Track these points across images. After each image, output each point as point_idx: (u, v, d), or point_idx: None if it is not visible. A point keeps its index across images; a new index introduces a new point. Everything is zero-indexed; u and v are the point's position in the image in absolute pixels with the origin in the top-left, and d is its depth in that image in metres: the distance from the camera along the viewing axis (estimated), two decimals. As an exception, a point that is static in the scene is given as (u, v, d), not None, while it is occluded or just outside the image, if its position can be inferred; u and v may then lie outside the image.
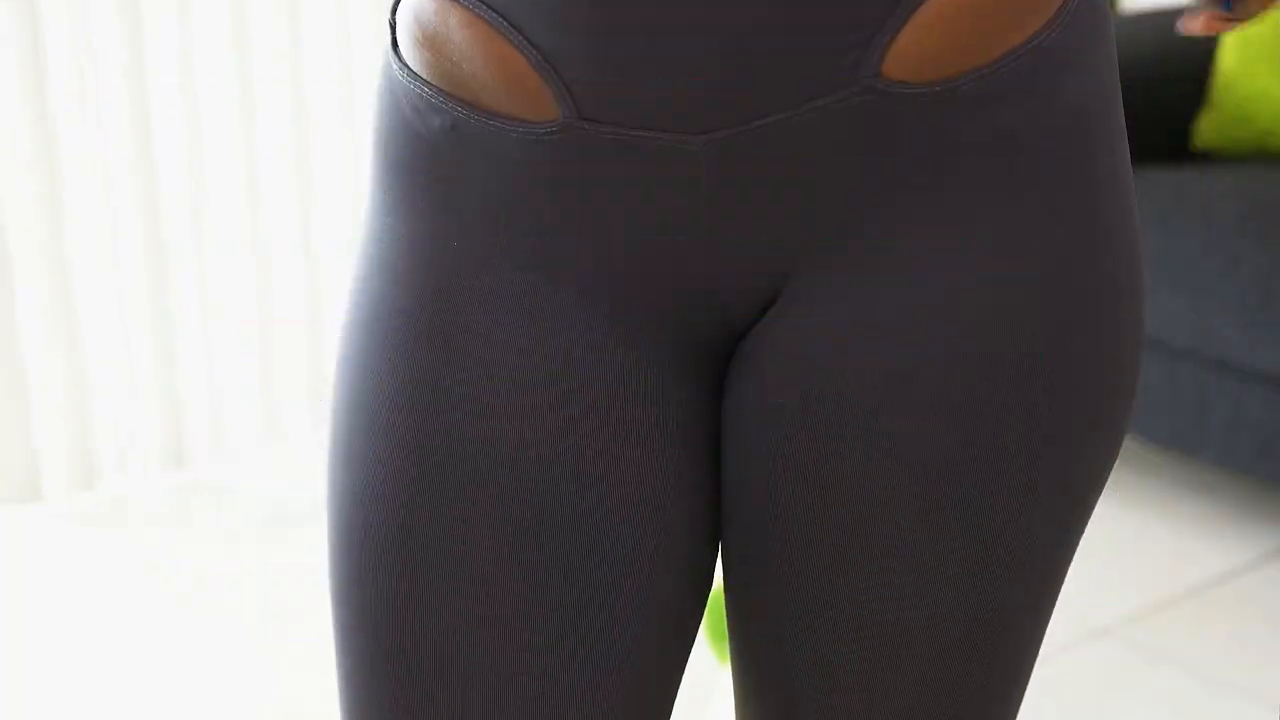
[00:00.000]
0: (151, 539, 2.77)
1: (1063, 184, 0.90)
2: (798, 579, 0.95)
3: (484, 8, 0.87)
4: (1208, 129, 2.97)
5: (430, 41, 0.90)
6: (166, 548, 2.74)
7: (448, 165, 0.92)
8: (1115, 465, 2.39)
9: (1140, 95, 2.96)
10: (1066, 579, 2.26)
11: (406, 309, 0.94)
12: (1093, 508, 0.98)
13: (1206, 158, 3.03)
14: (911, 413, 0.90)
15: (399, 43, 0.94)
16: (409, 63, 0.93)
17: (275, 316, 3.05)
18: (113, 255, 2.85)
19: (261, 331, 3.04)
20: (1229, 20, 1.01)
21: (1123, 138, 0.94)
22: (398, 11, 0.94)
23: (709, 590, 1.00)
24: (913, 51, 0.85)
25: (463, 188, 0.92)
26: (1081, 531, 0.98)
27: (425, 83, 0.92)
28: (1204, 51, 3.01)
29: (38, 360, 2.81)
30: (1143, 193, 2.76)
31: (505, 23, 0.87)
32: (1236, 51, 2.92)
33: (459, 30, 0.89)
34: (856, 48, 0.85)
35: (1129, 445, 3.04)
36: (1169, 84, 2.98)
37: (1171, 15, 3.07)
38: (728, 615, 1.02)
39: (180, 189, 2.88)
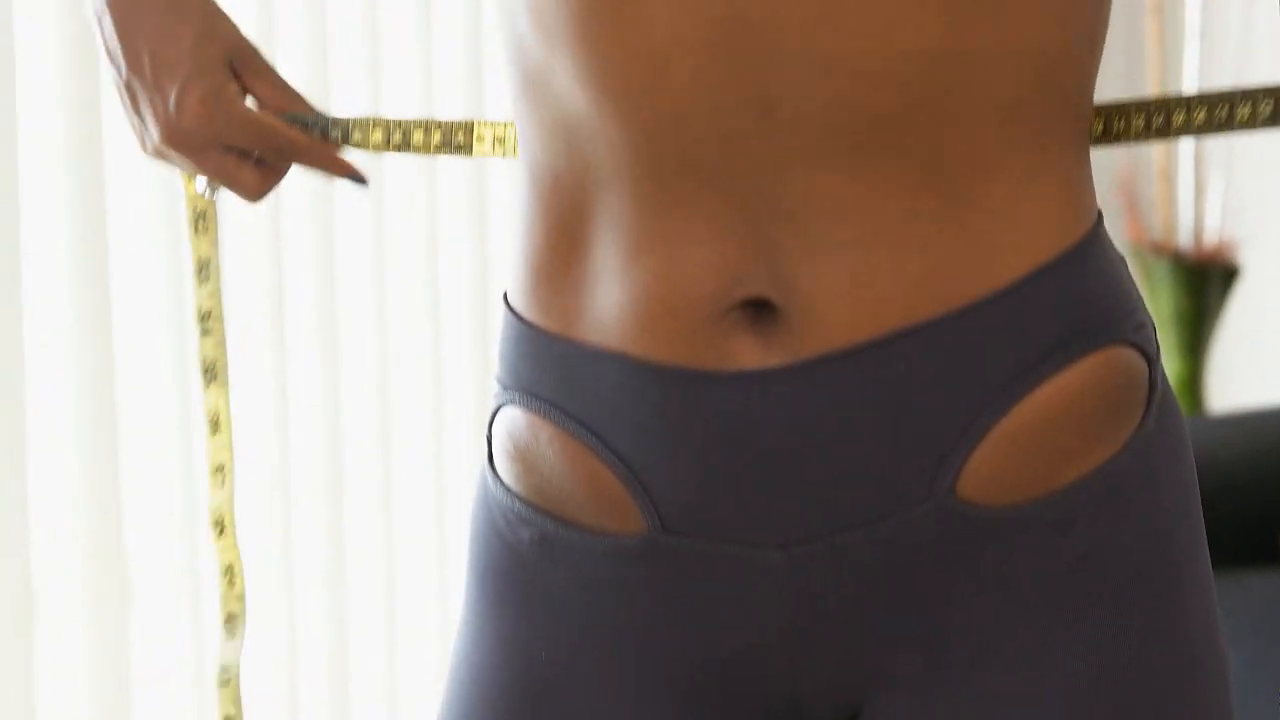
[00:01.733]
0: None
1: (1140, 606, 0.90)
2: None
3: (573, 423, 0.91)
4: (1299, 533, 2.95)
5: (522, 456, 0.94)
6: None
7: (536, 575, 0.94)
8: None
9: (1229, 498, 2.96)
10: None
11: (493, 714, 0.95)
12: None
13: (1299, 562, 3.00)
14: None
15: (494, 456, 0.97)
16: (502, 476, 0.96)
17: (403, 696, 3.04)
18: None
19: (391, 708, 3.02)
20: None
21: (1203, 554, 0.94)
22: (493, 426, 0.97)
23: None
24: (986, 473, 0.87)
25: (551, 597, 0.94)
26: None
27: (516, 496, 0.95)
28: (1292, 456, 3.02)
29: None
30: (1234, 599, 2.73)
31: (594, 437, 0.90)
32: (1325, 457, 2.92)
33: (549, 445, 0.92)
34: (931, 467, 0.87)
35: None
36: (1259, 487, 2.98)
37: (1259, 417, 3.09)
38: None
39: (315, 576, 2.90)
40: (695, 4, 0.83)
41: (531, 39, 0.88)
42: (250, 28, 2.30)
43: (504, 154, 1.00)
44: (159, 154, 1.02)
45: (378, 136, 1.02)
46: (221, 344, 1.06)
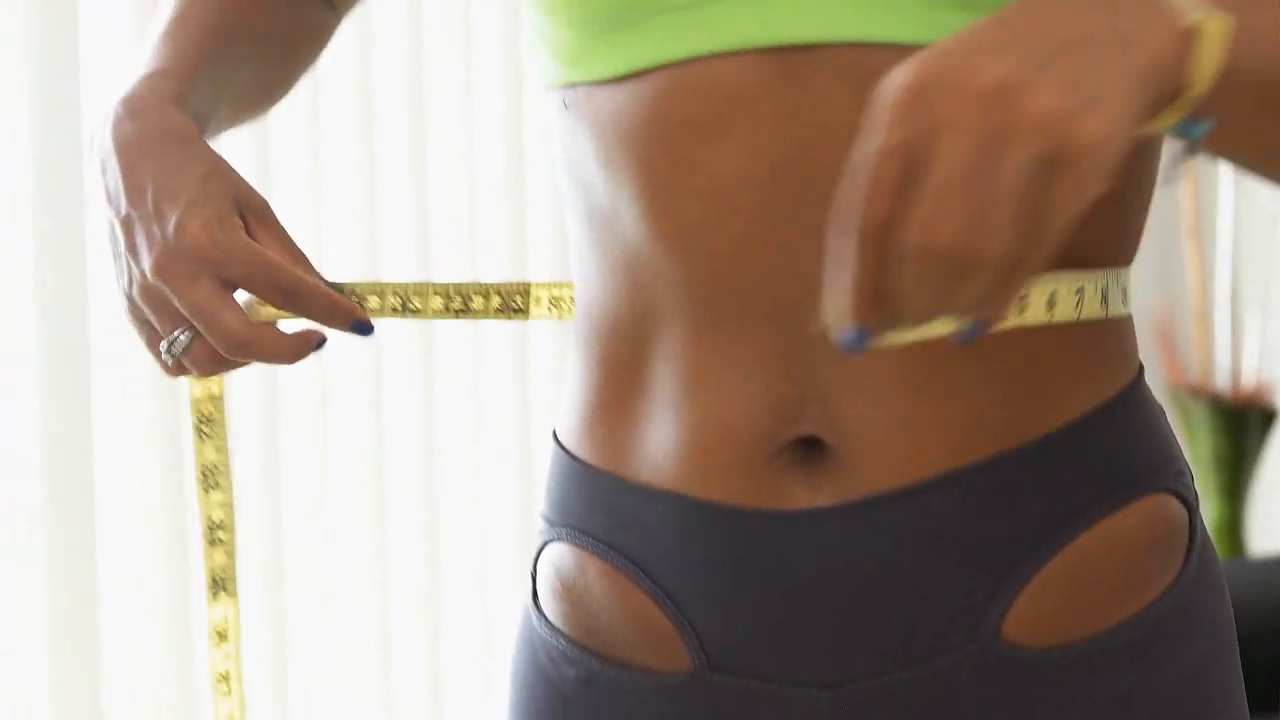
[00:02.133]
0: None
1: None
2: None
3: (622, 559, 0.92)
4: (1342, 678, 2.92)
5: (569, 593, 0.95)
6: None
7: (581, 714, 0.95)
8: None
9: (1269, 643, 2.93)
10: None
11: None
12: None
13: (1342, 708, 2.97)
14: None
15: (539, 593, 0.98)
16: (547, 614, 0.97)
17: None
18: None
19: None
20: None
21: (1241, 699, 0.94)
22: (538, 563, 0.98)
23: None
24: (1031, 616, 0.88)
25: None
26: None
27: (561, 634, 0.95)
28: (1334, 600, 2.99)
29: None
30: (1277, 743, 2.70)
31: (642, 574, 0.91)
32: (1367, 601, 2.90)
33: (597, 581, 0.93)
34: (975, 609, 0.88)
35: None
36: (1300, 631, 2.96)
37: (1299, 562, 3.07)
38: None
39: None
40: (760, 146, 0.86)
41: (599, 179, 0.90)
42: (302, 186, 2.32)
43: (559, 316, 0.99)
44: (145, 294, 0.92)
45: (437, 303, 0.97)
46: (232, 553, 0.98)
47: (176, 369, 0.94)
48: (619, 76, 0.89)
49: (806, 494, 0.88)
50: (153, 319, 0.93)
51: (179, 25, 0.99)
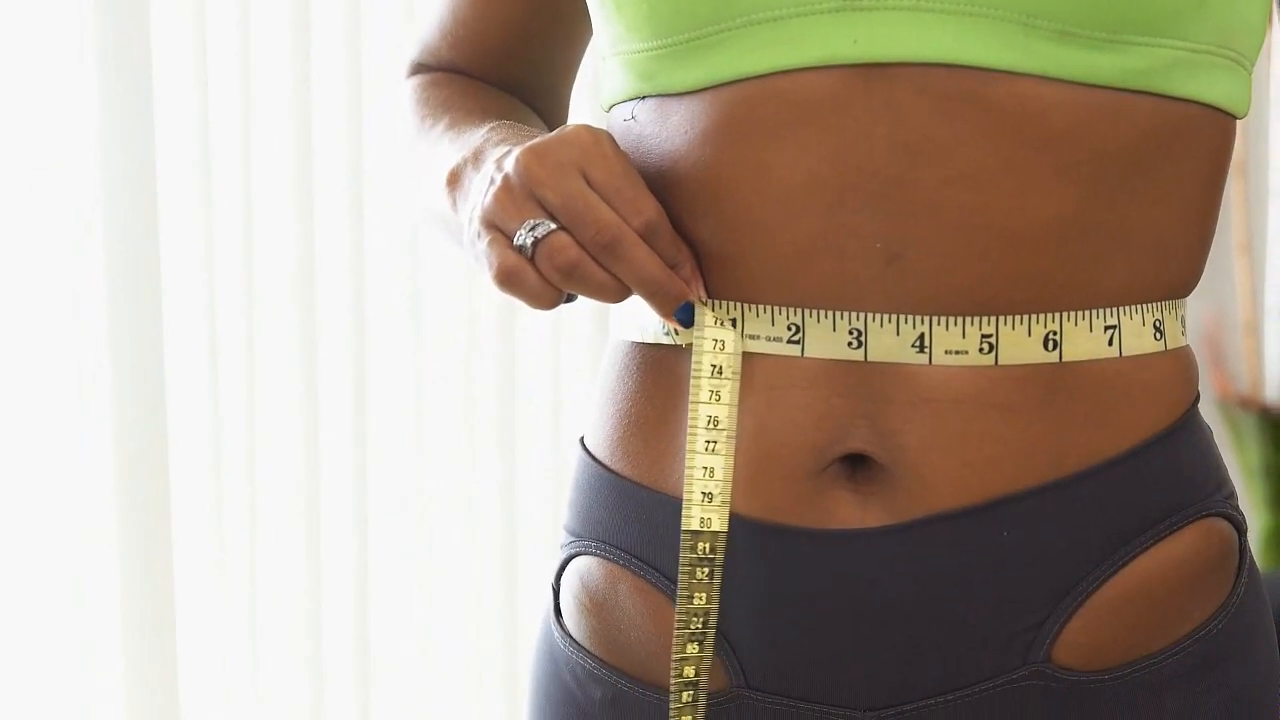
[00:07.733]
0: None
1: None
2: None
3: (656, 574, 0.90)
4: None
5: (598, 609, 0.93)
6: None
7: None
8: None
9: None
10: None
11: None
12: None
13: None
14: None
15: (561, 609, 0.96)
16: (571, 631, 0.95)
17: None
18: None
19: None
20: None
21: None
22: (562, 577, 0.96)
23: None
24: (1082, 640, 0.87)
25: None
26: None
27: (588, 653, 0.93)
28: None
29: None
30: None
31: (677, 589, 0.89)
32: None
33: (629, 597, 0.91)
34: (1027, 632, 0.86)
35: None
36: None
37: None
38: None
39: None
40: (832, 155, 0.84)
41: (659, 185, 0.89)
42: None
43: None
44: (503, 192, 0.85)
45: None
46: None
47: (515, 264, 0.85)
48: (699, 88, 0.87)
49: (854, 513, 0.86)
50: (504, 221, 0.85)
51: (450, 128, 0.99)
